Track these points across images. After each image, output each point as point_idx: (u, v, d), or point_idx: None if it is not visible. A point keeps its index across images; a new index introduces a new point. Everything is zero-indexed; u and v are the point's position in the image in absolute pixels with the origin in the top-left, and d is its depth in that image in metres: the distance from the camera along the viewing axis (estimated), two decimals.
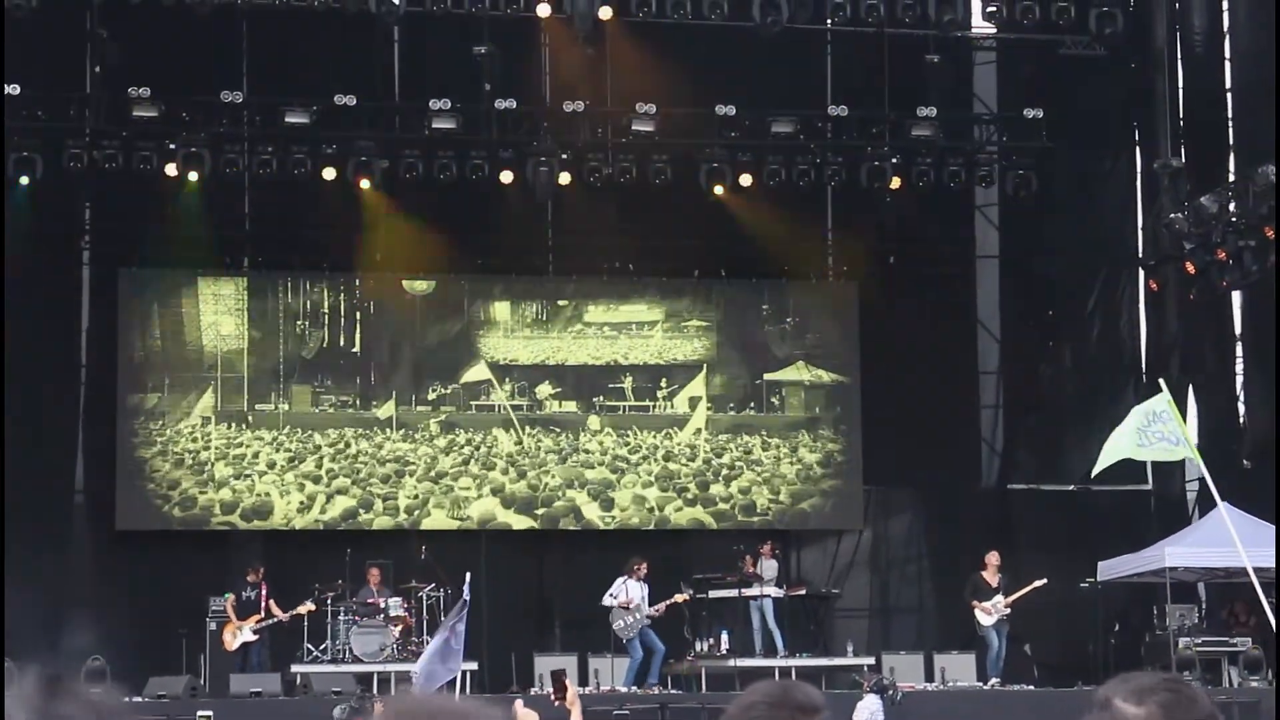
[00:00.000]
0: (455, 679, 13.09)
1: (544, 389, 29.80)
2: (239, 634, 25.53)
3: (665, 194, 28.35)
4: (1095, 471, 15.18)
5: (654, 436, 29.86)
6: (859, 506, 30.34)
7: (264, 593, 25.72)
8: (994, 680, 25.82)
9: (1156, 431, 12.91)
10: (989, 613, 26.06)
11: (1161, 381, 13.20)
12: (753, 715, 3.52)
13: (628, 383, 30.02)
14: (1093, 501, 30.38)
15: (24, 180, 26.63)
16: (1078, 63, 28.99)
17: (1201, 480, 30.15)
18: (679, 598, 25.96)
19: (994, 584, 26.24)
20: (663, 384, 30.04)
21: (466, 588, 13.66)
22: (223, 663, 25.30)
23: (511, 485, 29.37)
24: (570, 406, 29.82)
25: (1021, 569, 27.03)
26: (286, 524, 28.89)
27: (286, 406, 29.04)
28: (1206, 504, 28.22)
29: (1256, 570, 26.32)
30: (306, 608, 25.37)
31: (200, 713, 22.22)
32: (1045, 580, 26.34)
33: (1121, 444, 13.48)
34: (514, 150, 27.51)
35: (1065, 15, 27.48)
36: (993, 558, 26.41)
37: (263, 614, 25.58)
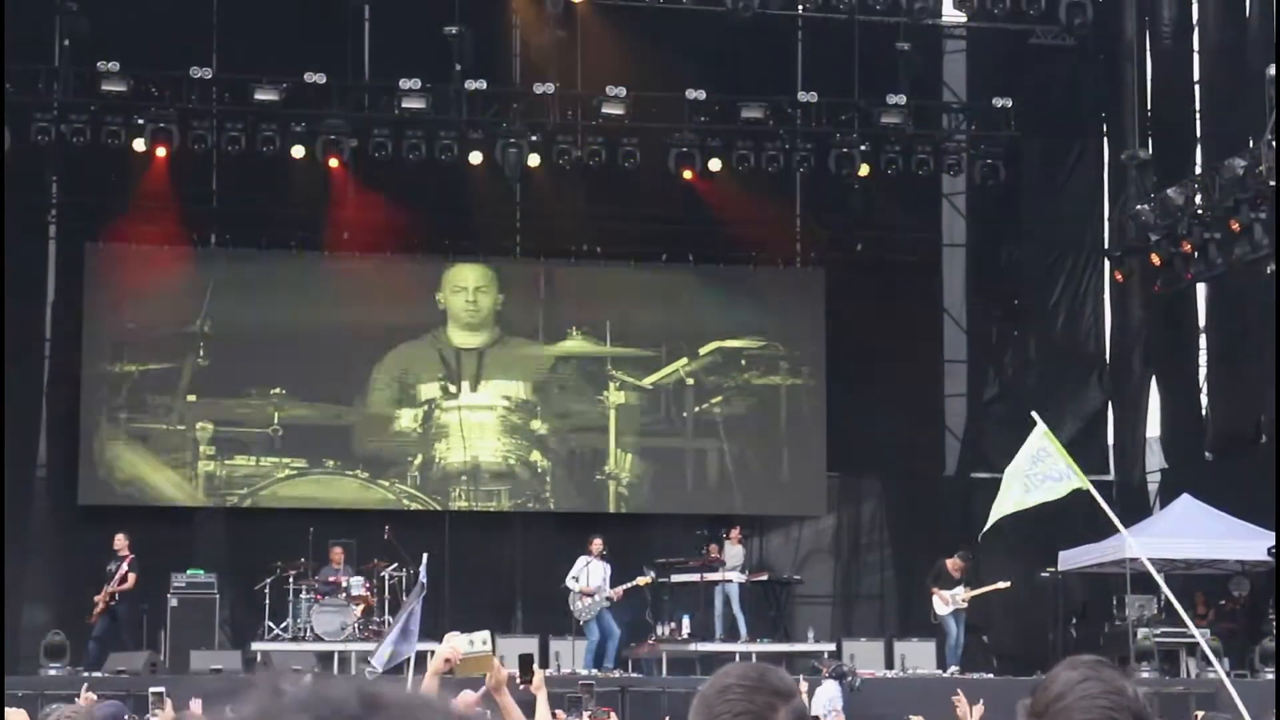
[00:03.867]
0: (410, 659, 13.04)
1: (507, 370, 29.76)
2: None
3: (634, 177, 28.34)
4: (984, 531, 14.62)
5: (621, 419, 29.84)
6: (823, 493, 30.36)
7: (125, 566, 25.35)
8: (953, 668, 25.85)
9: (1039, 473, 12.44)
10: (946, 602, 26.08)
11: (1035, 415, 12.78)
12: (729, 698, 3.44)
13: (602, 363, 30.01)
14: None
15: None
16: (1047, 53, 29.04)
17: (1163, 471, 30.47)
18: (640, 581, 25.93)
19: (957, 577, 26.24)
20: (630, 367, 30.01)
21: (423, 570, 13.52)
22: (183, 639, 25.19)
23: (474, 464, 29.34)
24: (532, 389, 29.79)
25: (982, 559, 27.05)
26: (249, 501, 28.82)
27: (249, 383, 28.95)
28: (1168, 495, 28.37)
29: (1215, 562, 26.72)
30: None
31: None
32: (1009, 584, 26.29)
33: (1008, 499, 12.87)
34: (483, 131, 27.48)
35: (1035, 5, 27.59)
36: (954, 563, 26.29)
37: (116, 584, 25.14)
